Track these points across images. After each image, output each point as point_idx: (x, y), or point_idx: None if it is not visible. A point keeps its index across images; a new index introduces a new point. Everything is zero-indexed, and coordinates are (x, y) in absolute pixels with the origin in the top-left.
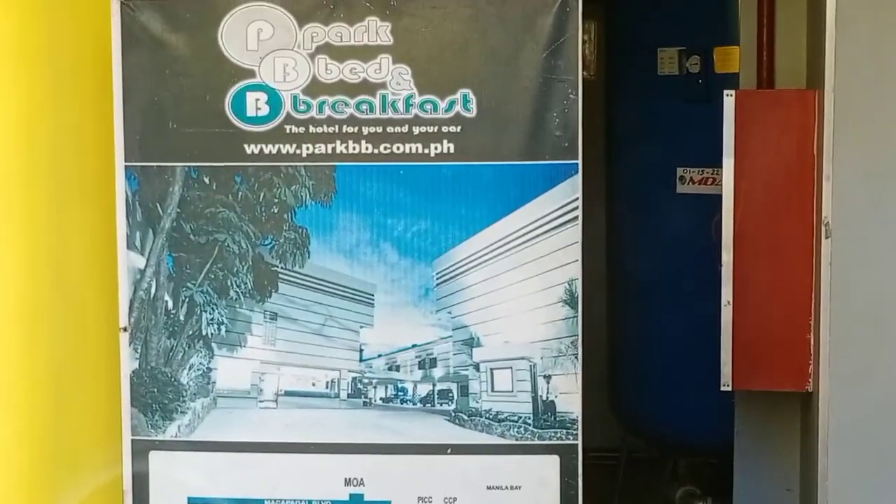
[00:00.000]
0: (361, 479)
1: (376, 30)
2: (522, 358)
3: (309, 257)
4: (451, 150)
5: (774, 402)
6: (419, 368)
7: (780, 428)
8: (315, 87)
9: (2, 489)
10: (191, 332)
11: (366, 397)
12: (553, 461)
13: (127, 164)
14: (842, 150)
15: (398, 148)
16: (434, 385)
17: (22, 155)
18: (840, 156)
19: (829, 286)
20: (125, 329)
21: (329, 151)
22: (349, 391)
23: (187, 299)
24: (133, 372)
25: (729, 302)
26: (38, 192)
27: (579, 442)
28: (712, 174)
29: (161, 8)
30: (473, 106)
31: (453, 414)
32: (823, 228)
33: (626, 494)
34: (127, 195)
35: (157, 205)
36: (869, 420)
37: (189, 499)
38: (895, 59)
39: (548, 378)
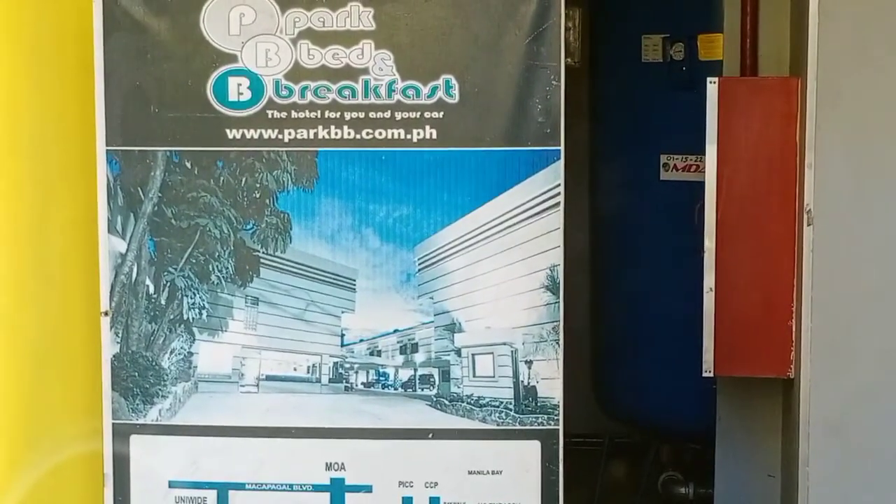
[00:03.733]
0: (342, 464)
1: (359, 15)
2: (504, 343)
3: (290, 242)
4: (434, 136)
5: (756, 388)
6: (400, 353)
7: (762, 414)
8: (297, 73)
9: None
10: (172, 317)
11: (347, 382)
12: (534, 446)
13: (108, 148)
14: (824, 137)
15: (380, 133)
16: (415, 370)
17: (3, 138)
18: (822, 143)
19: (810, 273)
20: (106, 313)
21: (311, 137)
22: (330, 376)
23: (169, 284)
24: (114, 356)
25: (711, 289)
26: (20, 176)
27: (560, 427)
28: (696, 161)
29: None
30: (456, 92)
31: (434, 399)
32: (805, 216)
33: (608, 480)
34: (108, 179)
35: (139, 189)
36: (850, 406)
37: (170, 482)
38: (877, 46)
39: (529, 363)
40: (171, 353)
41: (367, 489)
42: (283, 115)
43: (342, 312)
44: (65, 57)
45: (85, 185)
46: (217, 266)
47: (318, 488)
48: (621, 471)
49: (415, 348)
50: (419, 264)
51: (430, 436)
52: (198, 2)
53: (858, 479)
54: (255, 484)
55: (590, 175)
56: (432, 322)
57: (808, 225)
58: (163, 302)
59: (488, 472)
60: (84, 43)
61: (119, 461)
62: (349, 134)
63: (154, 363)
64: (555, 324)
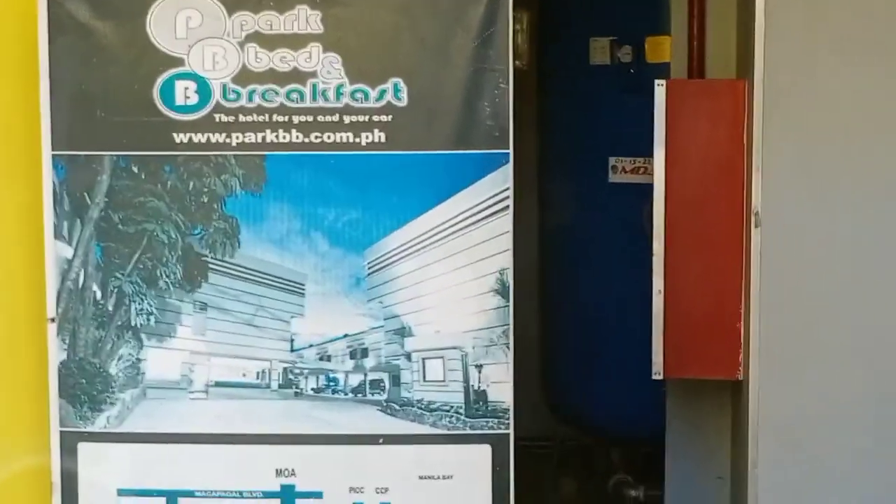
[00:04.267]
0: (293, 470)
1: (306, 18)
2: (454, 347)
3: (239, 247)
4: (382, 140)
5: (706, 390)
6: (350, 358)
7: (712, 416)
8: (245, 76)
9: None
10: (120, 323)
11: (297, 388)
12: (485, 450)
13: (54, 152)
14: (771, 140)
15: (329, 137)
16: (366, 375)
17: None
18: (769, 146)
19: (758, 276)
20: (53, 320)
21: (259, 140)
22: (280, 381)
23: (116, 289)
24: (61, 363)
25: (660, 291)
26: None
27: (511, 431)
28: (644, 164)
29: None
30: (404, 95)
31: (385, 404)
32: (753, 218)
33: (559, 483)
34: (54, 184)
35: (85, 194)
36: (798, 409)
37: (119, 490)
38: (824, 49)
39: (479, 367)
40: (119, 359)
41: (318, 495)
42: (231, 118)
43: (291, 317)
44: (9, 61)
45: (29, 189)
46: (165, 271)
47: (268, 495)
48: (572, 474)
49: (365, 353)
50: (369, 268)
51: (381, 441)
52: (143, 5)
53: (807, 480)
54: (205, 491)
55: (538, 178)
56: (382, 326)
57: (756, 227)
58: (110, 308)
59: (439, 477)
60: (27, 45)
61: (67, 469)
62: (297, 137)
63: (102, 370)
64: (505, 327)
